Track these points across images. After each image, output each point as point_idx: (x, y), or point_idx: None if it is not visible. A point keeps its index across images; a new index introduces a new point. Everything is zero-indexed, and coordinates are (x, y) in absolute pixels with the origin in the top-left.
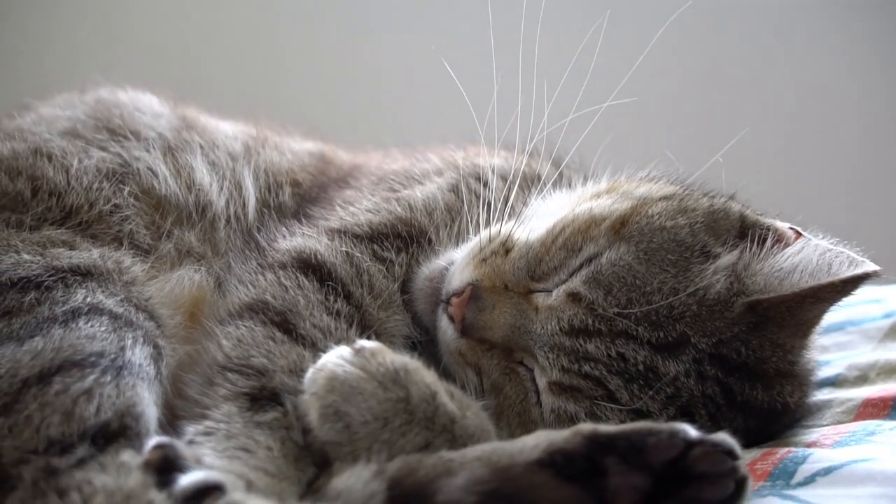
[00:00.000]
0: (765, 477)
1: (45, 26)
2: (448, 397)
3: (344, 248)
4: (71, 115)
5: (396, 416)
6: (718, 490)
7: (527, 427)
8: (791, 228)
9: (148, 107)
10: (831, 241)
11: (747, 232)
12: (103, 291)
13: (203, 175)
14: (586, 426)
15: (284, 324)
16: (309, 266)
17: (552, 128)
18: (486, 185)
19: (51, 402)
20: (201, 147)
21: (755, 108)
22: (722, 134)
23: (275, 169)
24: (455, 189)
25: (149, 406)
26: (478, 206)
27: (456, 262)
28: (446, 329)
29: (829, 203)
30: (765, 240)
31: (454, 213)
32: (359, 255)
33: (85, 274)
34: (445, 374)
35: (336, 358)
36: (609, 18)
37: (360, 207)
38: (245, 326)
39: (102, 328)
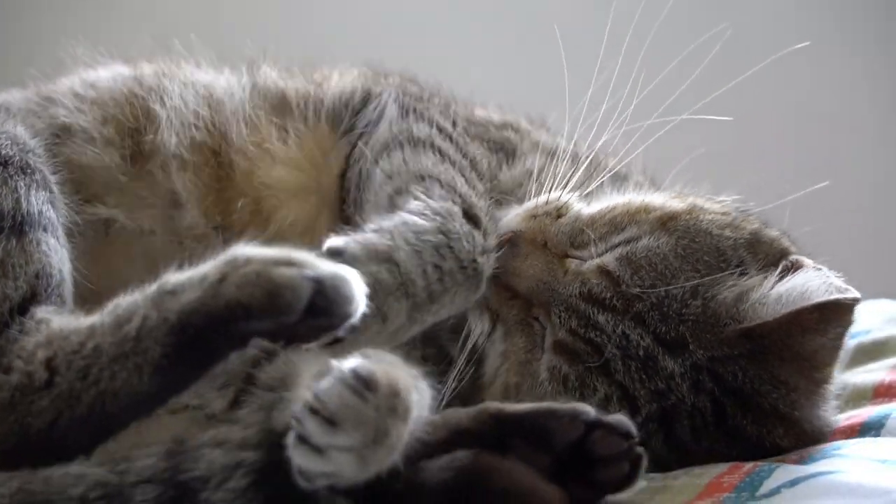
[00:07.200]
0: (730, 489)
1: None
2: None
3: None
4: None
5: None
6: (614, 471)
7: (522, 376)
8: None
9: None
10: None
11: (779, 263)
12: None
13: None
14: (493, 404)
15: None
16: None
17: (634, 125)
18: (560, 159)
19: None
20: None
21: (845, 163)
22: (801, 178)
23: None
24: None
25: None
26: (553, 177)
27: (511, 212)
28: None
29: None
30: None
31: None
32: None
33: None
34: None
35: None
36: (725, 34)
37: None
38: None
39: None
